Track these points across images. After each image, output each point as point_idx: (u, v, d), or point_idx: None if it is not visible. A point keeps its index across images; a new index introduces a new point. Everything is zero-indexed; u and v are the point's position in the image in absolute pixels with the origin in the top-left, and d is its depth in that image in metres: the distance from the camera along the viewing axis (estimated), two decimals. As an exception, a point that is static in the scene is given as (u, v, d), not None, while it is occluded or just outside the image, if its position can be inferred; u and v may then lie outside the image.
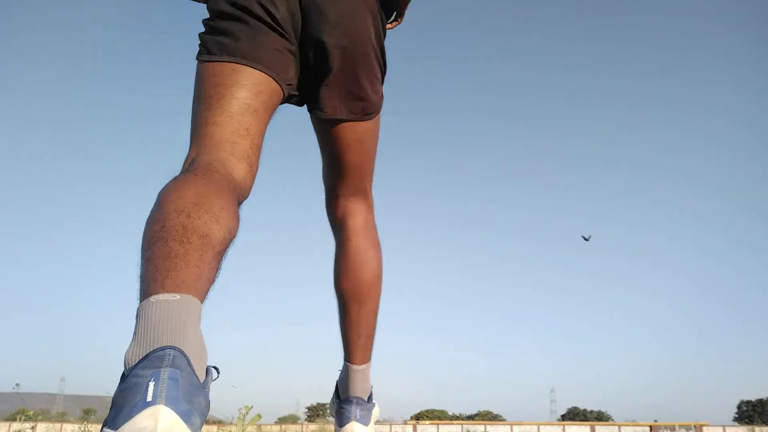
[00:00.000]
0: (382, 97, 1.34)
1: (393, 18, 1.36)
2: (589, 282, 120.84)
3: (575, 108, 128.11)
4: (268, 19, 1.11)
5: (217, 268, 0.84)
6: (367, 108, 1.29)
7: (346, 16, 1.16)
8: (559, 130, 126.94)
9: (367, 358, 1.40)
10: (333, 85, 1.23)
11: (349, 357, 1.39)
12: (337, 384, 1.45)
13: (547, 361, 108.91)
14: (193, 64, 1.16)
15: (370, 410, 1.39)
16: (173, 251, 0.77)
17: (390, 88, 1.43)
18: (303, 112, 1.37)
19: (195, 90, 1.11)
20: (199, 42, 1.15)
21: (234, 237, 0.89)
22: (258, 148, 1.06)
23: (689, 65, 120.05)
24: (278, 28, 1.12)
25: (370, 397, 1.43)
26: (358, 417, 1.33)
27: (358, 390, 1.37)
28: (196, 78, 1.12)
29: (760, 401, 55.14)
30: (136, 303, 0.75)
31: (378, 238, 1.43)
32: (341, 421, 1.35)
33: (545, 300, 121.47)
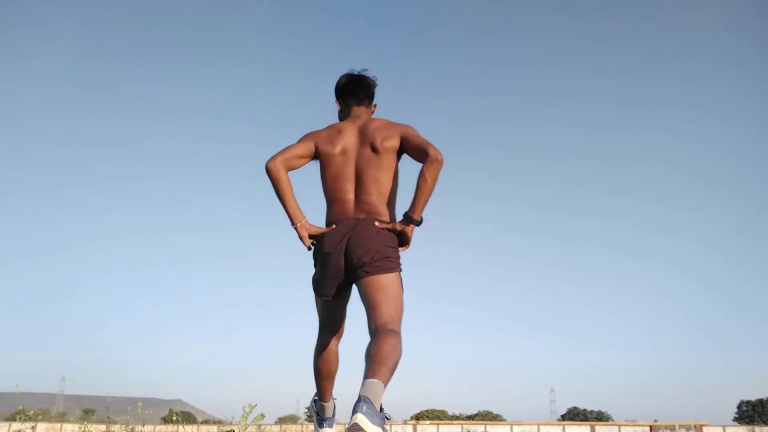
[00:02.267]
0: (399, 263, 2.14)
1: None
2: (590, 282, 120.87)
3: (576, 107, 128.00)
4: (334, 263, 2.14)
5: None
6: (385, 266, 2.08)
7: (369, 244, 2.09)
8: (561, 128, 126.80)
9: (382, 377, 1.73)
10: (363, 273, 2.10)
11: (366, 375, 1.74)
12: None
13: (547, 361, 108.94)
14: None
15: (378, 414, 1.61)
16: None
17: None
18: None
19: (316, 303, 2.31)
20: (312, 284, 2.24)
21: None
22: (342, 325, 2.36)
23: (688, 64, 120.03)
24: (339, 266, 2.14)
25: (381, 409, 1.68)
26: (364, 410, 1.57)
27: (369, 393, 1.65)
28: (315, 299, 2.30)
29: (760, 401, 55.00)
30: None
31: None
32: (351, 415, 1.61)
33: (545, 300, 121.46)
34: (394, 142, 2.17)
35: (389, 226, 2.13)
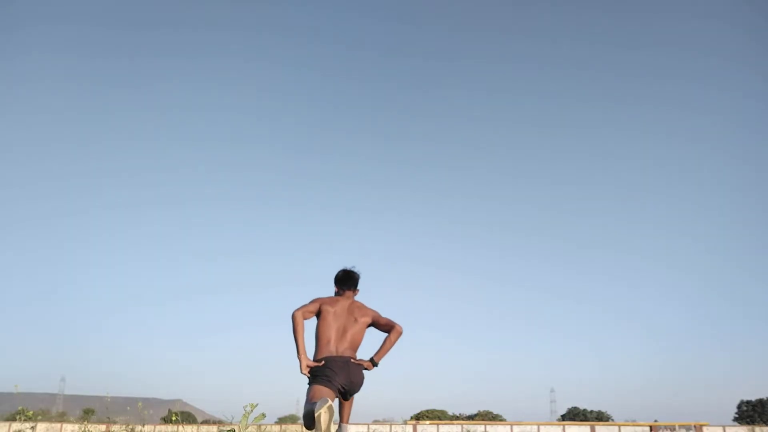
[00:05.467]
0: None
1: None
2: (589, 281, 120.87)
3: (569, 107, 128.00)
4: (341, 379, 3.51)
5: None
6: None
7: (359, 380, 3.58)
8: (552, 128, 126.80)
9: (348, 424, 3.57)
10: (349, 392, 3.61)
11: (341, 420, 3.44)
12: None
13: (547, 361, 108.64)
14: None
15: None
16: None
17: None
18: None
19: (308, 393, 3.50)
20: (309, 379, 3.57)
21: None
22: None
23: (685, 65, 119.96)
24: (342, 381, 3.50)
25: None
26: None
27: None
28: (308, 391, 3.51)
29: (760, 401, 54.78)
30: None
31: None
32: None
33: (545, 300, 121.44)
34: (368, 319, 3.72)
35: (363, 364, 3.60)
